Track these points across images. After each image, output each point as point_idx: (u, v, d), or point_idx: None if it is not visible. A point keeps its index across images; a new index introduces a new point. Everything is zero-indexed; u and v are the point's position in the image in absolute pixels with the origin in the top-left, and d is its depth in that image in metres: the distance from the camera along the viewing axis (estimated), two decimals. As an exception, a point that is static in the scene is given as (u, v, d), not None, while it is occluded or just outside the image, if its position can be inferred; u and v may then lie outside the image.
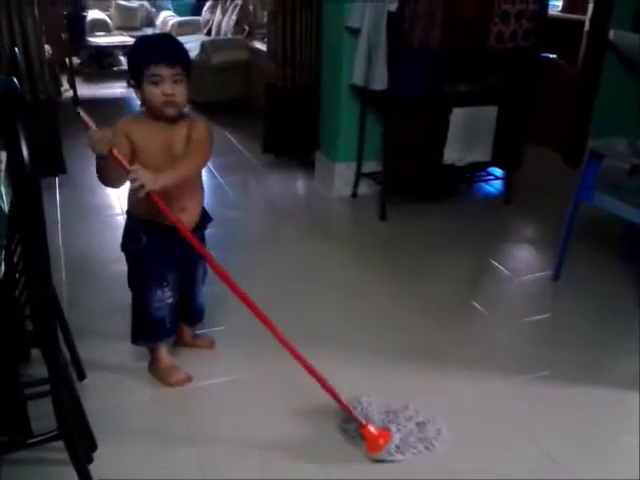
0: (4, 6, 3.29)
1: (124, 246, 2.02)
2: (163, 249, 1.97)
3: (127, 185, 1.81)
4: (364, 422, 1.85)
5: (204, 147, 1.90)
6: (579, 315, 2.62)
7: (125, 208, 2.02)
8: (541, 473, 1.81)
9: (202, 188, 2.04)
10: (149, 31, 8.09)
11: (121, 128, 1.83)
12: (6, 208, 1.64)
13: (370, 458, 1.82)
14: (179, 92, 1.81)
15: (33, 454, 1.71)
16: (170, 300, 2.04)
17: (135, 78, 1.82)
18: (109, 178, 1.82)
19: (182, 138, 1.88)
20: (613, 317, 2.62)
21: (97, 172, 1.81)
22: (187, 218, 1.91)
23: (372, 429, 1.83)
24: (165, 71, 1.77)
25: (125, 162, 1.72)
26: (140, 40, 1.93)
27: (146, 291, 2.00)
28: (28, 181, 1.11)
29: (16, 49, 1.99)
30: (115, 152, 1.71)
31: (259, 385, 2.15)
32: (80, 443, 1.60)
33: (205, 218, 2.08)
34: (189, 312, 2.20)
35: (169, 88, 1.78)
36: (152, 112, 1.85)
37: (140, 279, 2.02)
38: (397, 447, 1.83)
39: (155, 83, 1.78)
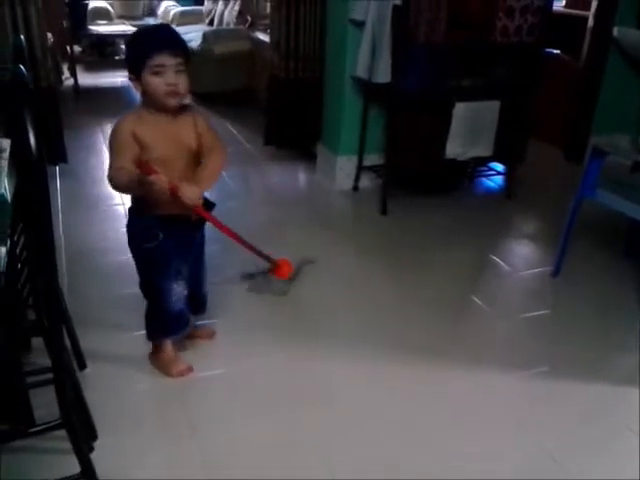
0: (8, -7, 3.27)
1: (137, 246, 1.98)
2: (179, 242, 1.98)
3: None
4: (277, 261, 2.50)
5: (217, 138, 1.95)
6: (579, 311, 2.62)
7: (121, 197, 2.02)
8: (540, 470, 1.81)
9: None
10: (151, 20, 8.02)
11: (126, 129, 1.79)
12: (9, 197, 1.63)
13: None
14: (182, 82, 1.79)
15: (33, 443, 1.71)
16: (185, 292, 2.05)
17: (136, 70, 1.77)
18: (129, 191, 1.92)
19: (190, 130, 1.88)
20: (613, 313, 2.62)
21: (119, 188, 1.86)
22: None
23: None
24: (168, 60, 1.75)
25: (173, 186, 1.78)
26: (140, 31, 1.92)
27: (165, 287, 1.98)
28: (35, 170, 1.11)
29: (22, 37, 1.98)
30: (171, 183, 1.77)
31: (259, 376, 2.16)
32: (82, 432, 1.60)
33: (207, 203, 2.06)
34: (197, 300, 2.20)
35: (172, 78, 1.76)
36: (154, 105, 1.82)
37: (157, 276, 1.98)
38: None
39: (158, 73, 1.75)
